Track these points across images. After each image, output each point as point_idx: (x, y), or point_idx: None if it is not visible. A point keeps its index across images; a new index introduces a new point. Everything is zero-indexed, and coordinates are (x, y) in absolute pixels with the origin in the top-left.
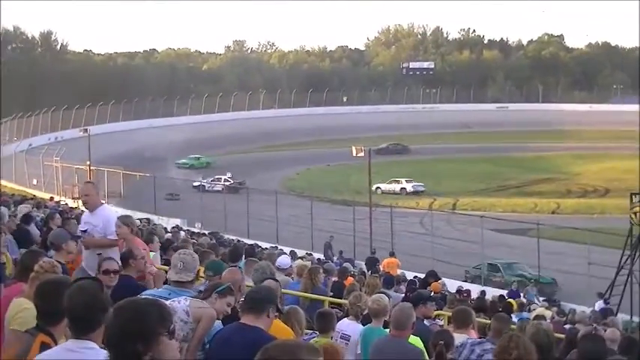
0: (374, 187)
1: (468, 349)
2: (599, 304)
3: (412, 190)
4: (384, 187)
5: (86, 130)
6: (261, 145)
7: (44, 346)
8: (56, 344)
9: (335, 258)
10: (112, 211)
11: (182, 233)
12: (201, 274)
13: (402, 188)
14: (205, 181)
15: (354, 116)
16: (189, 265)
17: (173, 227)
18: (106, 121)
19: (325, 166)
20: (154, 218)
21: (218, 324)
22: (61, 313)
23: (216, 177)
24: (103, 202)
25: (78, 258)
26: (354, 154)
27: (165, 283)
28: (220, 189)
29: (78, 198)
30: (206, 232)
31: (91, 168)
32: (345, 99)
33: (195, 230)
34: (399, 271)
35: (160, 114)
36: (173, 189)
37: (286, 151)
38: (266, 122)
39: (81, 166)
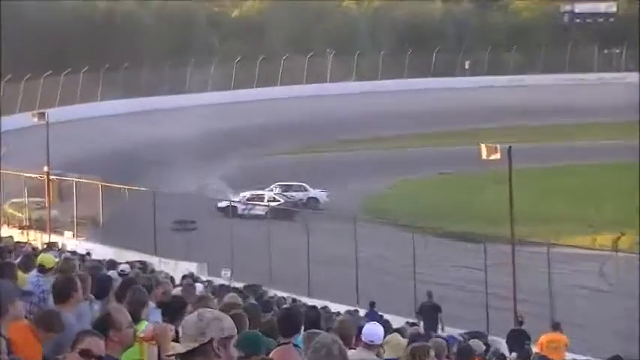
0: None
1: None
2: None
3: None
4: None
5: (42, 116)
6: (330, 140)
7: None
8: None
9: (441, 328)
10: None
11: (199, 286)
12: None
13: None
14: (239, 199)
15: (483, 93)
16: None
17: (185, 276)
18: (75, 101)
19: (436, 174)
20: (154, 261)
21: None
22: None
23: (256, 193)
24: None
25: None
26: (485, 156)
27: None
28: (262, 212)
29: (27, 227)
30: (239, 286)
31: (51, 177)
32: (466, 65)
33: (222, 282)
34: (567, 356)
35: (164, 89)
36: (185, 212)
37: (371, 150)
38: (337, 103)
39: (34, 175)
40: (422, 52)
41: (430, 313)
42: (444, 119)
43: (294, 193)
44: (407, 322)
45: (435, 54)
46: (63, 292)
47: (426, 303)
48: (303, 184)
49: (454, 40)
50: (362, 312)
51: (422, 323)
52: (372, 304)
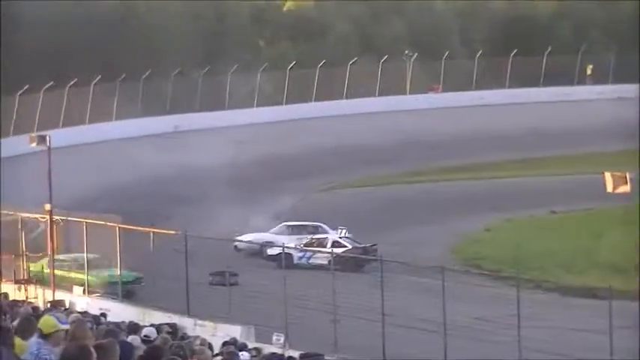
0: None
1: None
2: None
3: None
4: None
5: (43, 140)
6: (409, 168)
7: None
8: None
9: None
10: None
11: (245, 355)
12: None
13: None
14: (294, 244)
15: (610, 105)
16: None
17: (226, 342)
18: (84, 121)
19: (547, 213)
20: (186, 323)
21: None
22: None
23: (316, 237)
24: None
25: None
26: (610, 189)
27: None
28: (325, 261)
29: (26, 282)
30: (295, 355)
31: (55, 218)
32: (588, 70)
33: (274, 349)
34: None
35: (195, 105)
36: (225, 262)
37: (464, 180)
38: (418, 120)
39: (33, 215)
40: (528, 54)
41: None
42: (557, 140)
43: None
44: None
45: (545, 57)
46: None
47: None
48: (321, 225)
49: (571, 39)
50: None
51: None
52: None
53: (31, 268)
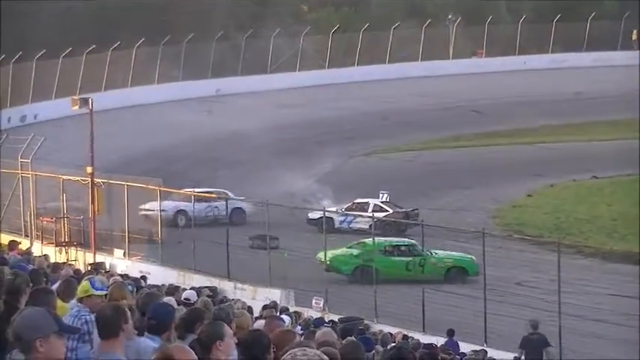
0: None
1: None
2: None
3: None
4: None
5: (85, 102)
6: (453, 133)
7: None
8: None
9: None
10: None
11: (285, 319)
12: None
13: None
14: (335, 209)
15: None
16: None
17: (266, 306)
18: (126, 84)
19: (590, 178)
20: (226, 287)
21: None
22: None
23: (357, 201)
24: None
25: None
26: None
27: None
28: (366, 226)
29: (67, 244)
30: (335, 319)
31: (96, 180)
32: (633, 35)
33: (314, 313)
34: None
35: (238, 69)
36: (266, 225)
37: (507, 145)
38: (462, 85)
39: (73, 177)
40: (572, 19)
41: (535, 347)
42: (601, 105)
43: (213, 204)
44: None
45: (589, 22)
46: (110, 326)
47: (529, 336)
48: (225, 191)
49: (615, 4)
50: (492, 353)
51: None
52: (451, 333)
53: None
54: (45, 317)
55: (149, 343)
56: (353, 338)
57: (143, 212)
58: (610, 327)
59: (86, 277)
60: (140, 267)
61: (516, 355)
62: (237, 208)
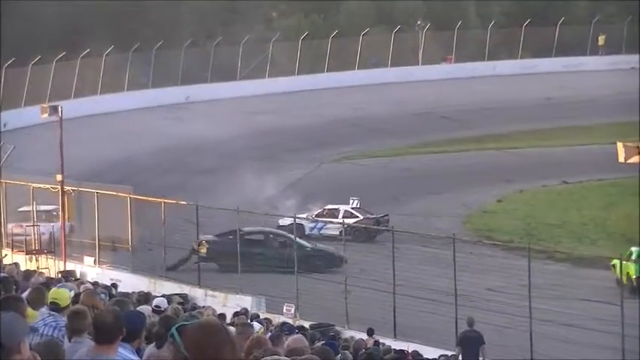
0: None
1: None
2: None
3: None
4: None
5: (55, 110)
6: (422, 139)
7: None
8: None
9: None
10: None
11: (256, 326)
12: None
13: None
14: (305, 215)
15: (623, 77)
16: None
17: (237, 313)
18: (96, 91)
19: (560, 183)
20: (197, 294)
21: None
22: None
23: (328, 207)
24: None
25: None
26: (622, 159)
27: None
28: (336, 232)
29: (37, 252)
30: (306, 325)
31: (66, 188)
32: (601, 40)
33: (285, 319)
34: None
35: (207, 76)
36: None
37: (475, 151)
38: (430, 91)
39: (43, 185)
40: (541, 24)
41: (471, 345)
42: (570, 111)
43: None
44: (442, 356)
45: (558, 27)
46: (109, 333)
47: (466, 333)
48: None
49: (584, 10)
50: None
51: (460, 357)
52: (371, 332)
53: None
54: (22, 321)
55: (129, 355)
56: (325, 345)
57: None
58: (581, 331)
59: (58, 285)
60: (111, 274)
61: (454, 352)
62: None
